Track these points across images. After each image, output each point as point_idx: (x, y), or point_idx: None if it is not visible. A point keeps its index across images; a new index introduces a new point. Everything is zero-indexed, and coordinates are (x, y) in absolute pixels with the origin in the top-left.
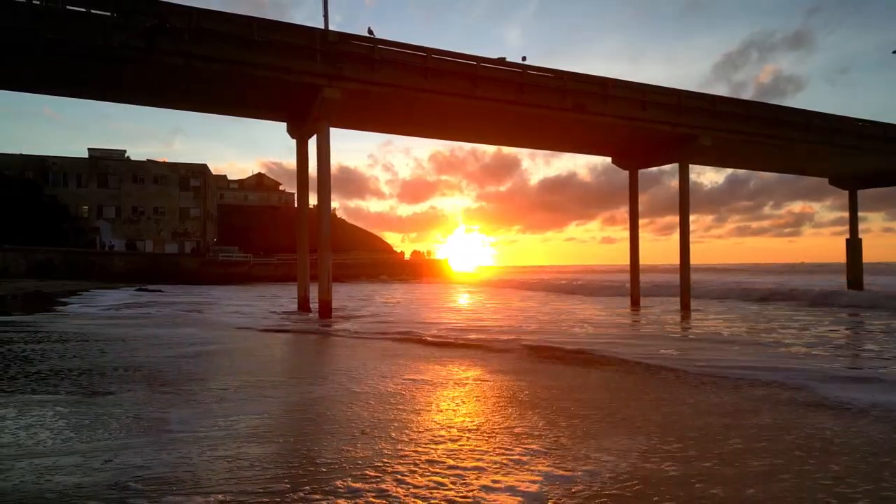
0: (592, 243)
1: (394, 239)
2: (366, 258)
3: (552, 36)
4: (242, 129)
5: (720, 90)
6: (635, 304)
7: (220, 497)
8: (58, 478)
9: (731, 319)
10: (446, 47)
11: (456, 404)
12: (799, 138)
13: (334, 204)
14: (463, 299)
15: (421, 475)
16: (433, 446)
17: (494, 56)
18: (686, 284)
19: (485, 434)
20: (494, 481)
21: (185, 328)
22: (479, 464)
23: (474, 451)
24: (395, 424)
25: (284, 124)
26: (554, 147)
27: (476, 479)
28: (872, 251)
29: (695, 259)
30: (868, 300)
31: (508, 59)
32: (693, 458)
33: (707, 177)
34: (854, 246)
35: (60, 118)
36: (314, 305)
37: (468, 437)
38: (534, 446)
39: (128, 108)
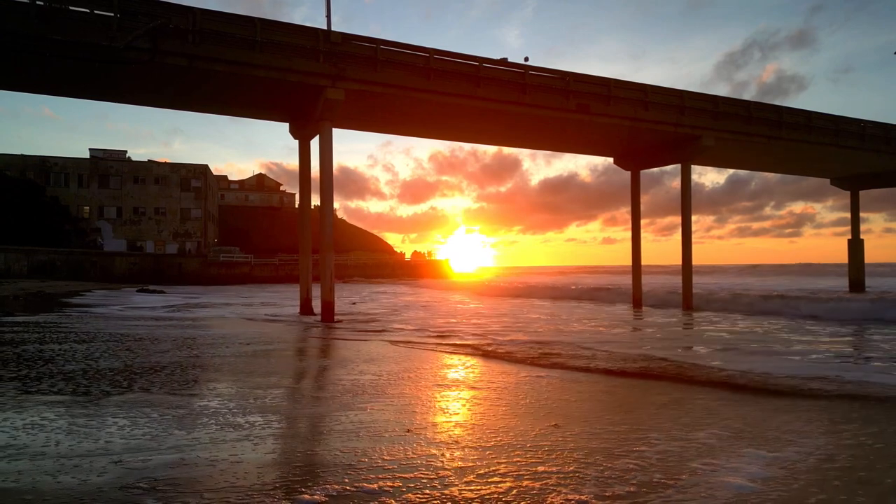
0: (593, 244)
1: (394, 239)
2: (366, 259)
3: (552, 36)
4: (242, 130)
5: (722, 89)
6: (637, 305)
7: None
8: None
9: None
10: (445, 47)
11: (575, 403)
12: (801, 139)
13: (335, 204)
14: (471, 301)
15: (614, 458)
16: (604, 435)
17: (495, 57)
18: (688, 285)
19: (652, 424)
20: (704, 463)
21: (208, 330)
22: (667, 448)
23: (644, 437)
24: (520, 417)
25: (285, 125)
26: (556, 147)
27: (678, 461)
28: (873, 252)
29: (695, 260)
30: None
31: (509, 60)
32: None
33: (708, 177)
34: (856, 246)
35: (60, 118)
36: (316, 307)
37: (627, 426)
38: (714, 430)
39: (127, 109)
